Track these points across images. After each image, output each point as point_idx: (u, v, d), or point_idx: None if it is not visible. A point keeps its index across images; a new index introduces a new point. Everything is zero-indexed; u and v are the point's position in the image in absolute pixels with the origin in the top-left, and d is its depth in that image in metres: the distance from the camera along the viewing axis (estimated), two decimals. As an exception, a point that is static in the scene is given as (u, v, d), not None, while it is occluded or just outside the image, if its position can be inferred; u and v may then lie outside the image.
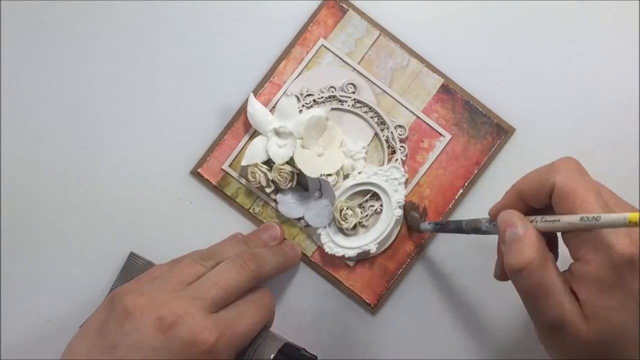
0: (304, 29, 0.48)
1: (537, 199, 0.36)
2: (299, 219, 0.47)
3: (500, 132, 0.47)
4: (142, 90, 0.49)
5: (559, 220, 0.34)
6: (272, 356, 0.40)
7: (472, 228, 0.40)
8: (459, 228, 0.42)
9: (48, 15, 0.49)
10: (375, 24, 0.48)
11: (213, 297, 0.39)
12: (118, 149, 0.48)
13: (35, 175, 0.48)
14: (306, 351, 0.42)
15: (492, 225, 0.39)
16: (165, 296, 0.38)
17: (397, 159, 0.47)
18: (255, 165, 0.46)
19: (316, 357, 0.42)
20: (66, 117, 0.49)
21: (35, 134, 0.49)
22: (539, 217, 0.35)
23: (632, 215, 0.30)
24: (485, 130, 0.47)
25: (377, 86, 0.47)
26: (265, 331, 0.42)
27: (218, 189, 0.48)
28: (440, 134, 0.47)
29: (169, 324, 0.37)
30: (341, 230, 0.47)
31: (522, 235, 0.35)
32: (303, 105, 0.47)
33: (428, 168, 0.47)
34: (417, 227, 0.46)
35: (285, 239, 0.47)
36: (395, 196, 0.47)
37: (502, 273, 0.38)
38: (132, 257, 0.47)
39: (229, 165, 0.48)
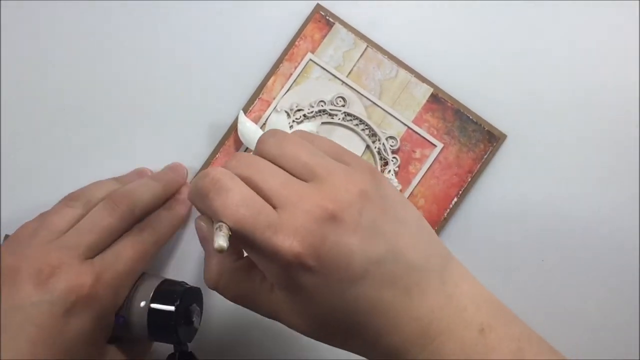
0: (291, 44, 0.48)
1: None
2: (294, 234, 0.47)
3: (492, 139, 0.47)
4: (132, 114, 0.49)
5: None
6: (151, 293, 0.40)
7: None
8: None
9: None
10: (362, 37, 0.48)
11: (87, 243, 0.39)
12: (113, 174, 0.48)
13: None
14: (186, 284, 0.42)
15: None
16: (38, 251, 0.38)
17: (389, 170, 0.47)
18: (248, 182, 0.46)
19: (199, 288, 0.43)
20: (57, 140, 0.49)
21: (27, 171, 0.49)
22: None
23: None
24: (476, 137, 0.47)
25: (367, 98, 0.47)
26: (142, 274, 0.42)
27: (212, 208, 0.48)
28: (432, 144, 0.47)
29: (45, 278, 0.37)
30: (337, 244, 0.47)
31: (208, 251, 0.36)
32: (293, 121, 0.47)
33: (421, 178, 0.47)
34: None
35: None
36: (389, 208, 0.46)
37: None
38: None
39: (222, 184, 0.48)
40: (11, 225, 0.47)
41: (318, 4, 0.48)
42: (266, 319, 0.45)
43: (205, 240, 0.36)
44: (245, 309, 0.47)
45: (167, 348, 0.43)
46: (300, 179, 0.33)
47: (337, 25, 0.48)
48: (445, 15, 0.48)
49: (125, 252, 0.40)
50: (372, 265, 0.31)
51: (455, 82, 0.47)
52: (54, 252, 0.38)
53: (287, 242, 0.30)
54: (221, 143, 0.48)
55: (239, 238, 0.31)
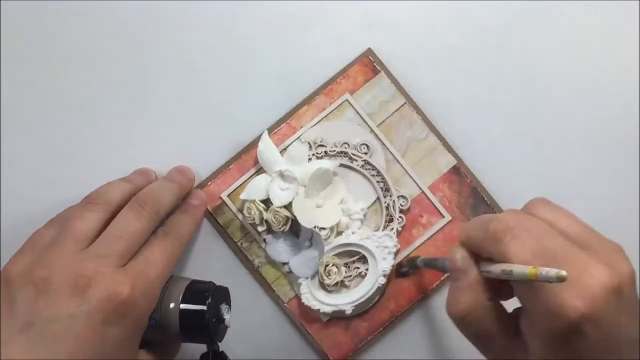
0: (333, 79, 0.47)
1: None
2: (284, 263, 0.47)
3: (501, 226, 0.47)
4: (156, 116, 0.48)
5: (489, 272, 0.35)
6: (182, 294, 0.41)
7: (428, 264, 0.44)
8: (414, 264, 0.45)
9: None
10: (403, 92, 0.47)
11: (119, 251, 0.39)
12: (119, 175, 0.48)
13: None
14: (214, 283, 0.43)
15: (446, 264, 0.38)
16: (70, 262, 0.38)
17: (392, 228, 0.47)
18: (253, 201, 0.46)
19: (227, 287, 0.43)
20: (70, 141, 0.48)
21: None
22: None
23: (531, 270, 0.30)
24: (486, 220, 0.47)
25: (391, 153, 0.47)
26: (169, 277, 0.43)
27: (211, 215, 0.47)
28: (441, 214, 0.47)
29: (82, 289, 0.37)
30: (322, 285, 0.47)
31: (464, 284, 0.36)
32: (314, 154, 0.47)
33: (421, 244, 0.47)
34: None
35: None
36: (382, 264, 0.46)
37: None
38: None
39: (228, 195, 0.47)
40: (11, 225, 0.47)
41: (369, 48, 0.47)
42: (288, 321, 0.44)
43: (460, 272, 0.36)
44: (261, 306, 0.47)
45: (195, 349, 0.43)
46: None
47: (382, 74, 0.47)
48: (486, 93, 0.48)
49: (155, 257, 0.40)
50: (627, 344, 0.32)
51: (480, 160, 0.47)
52: (86, 261, 0.38)
53: (576, 301, 0.31)
54: (237, 156, 0.47)
55: (524, 284, 0.33)
